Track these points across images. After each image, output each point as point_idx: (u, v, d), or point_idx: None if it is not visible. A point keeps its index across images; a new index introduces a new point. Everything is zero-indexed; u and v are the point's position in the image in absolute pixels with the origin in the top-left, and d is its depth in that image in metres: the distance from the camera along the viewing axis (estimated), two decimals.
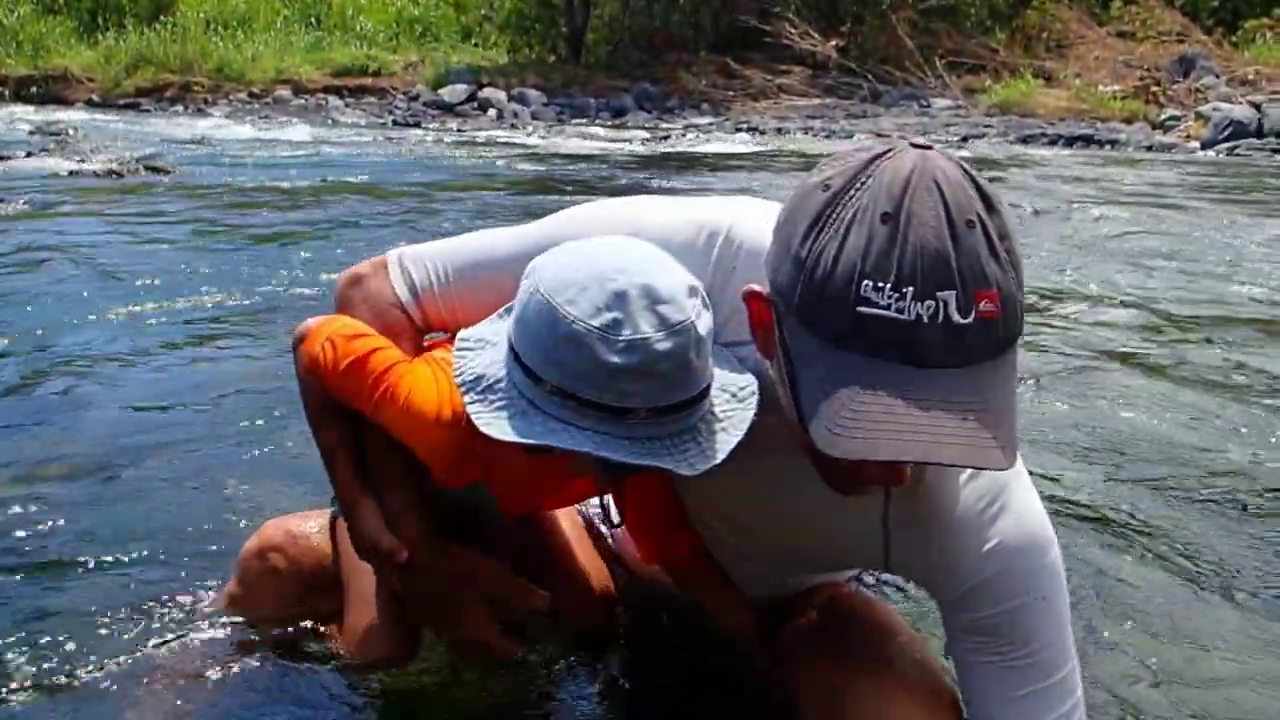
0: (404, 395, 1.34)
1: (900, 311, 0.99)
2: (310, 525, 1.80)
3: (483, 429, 1.20)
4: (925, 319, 0.99)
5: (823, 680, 1.49)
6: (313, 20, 23.39)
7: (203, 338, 3.98)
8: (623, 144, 14.02)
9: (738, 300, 1.19)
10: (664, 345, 1.14)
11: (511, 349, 1.23)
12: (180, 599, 2.00)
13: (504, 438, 1.19)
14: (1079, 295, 5.14)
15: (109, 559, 2.21)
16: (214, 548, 2.26)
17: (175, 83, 19.61)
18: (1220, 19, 20.66)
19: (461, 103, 18.85)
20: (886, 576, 1.97)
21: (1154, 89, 17.70)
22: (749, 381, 1.26)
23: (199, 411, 3.16)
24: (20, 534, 2.32)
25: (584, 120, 18.03)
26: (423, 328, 1.47)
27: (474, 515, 1.55)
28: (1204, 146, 14.22)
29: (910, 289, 0.99)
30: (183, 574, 2.14)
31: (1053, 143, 15.04)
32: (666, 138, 15.14)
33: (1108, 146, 14.64)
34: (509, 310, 1.30)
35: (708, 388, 1.21)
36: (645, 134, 15.67)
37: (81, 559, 2.21)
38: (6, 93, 19.43)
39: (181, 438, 2.93)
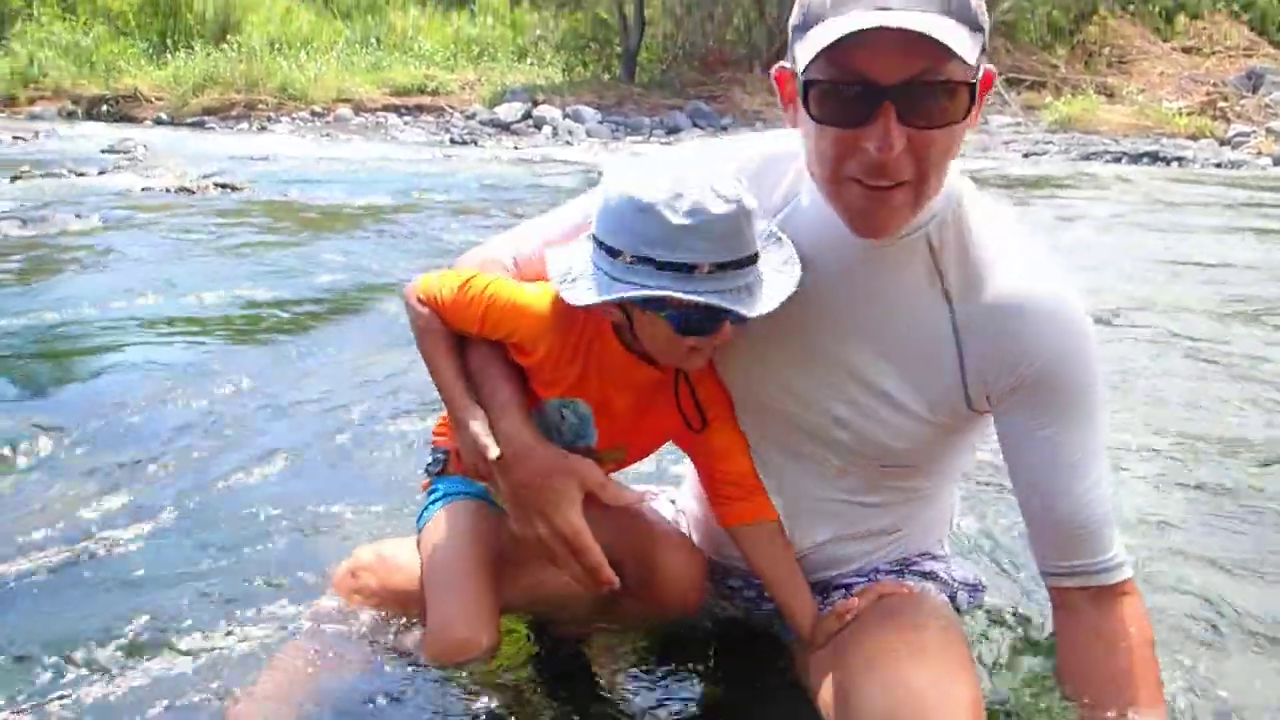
0: (508, 294, 1.60)
1: None
2: (399, 547, 1.85)
3: (570, 300, 1.48)
4: None
5: (834, 660, 1.58)
6: (373, 41, 23.75)
7: (279, 344, 4.05)
8: None
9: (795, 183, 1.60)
10: (719, 209, 1.41)
11: (594, 240, 1.50)
12: (264, 610, 2.03)
13: (588, 299, 1.46)
14: (1151, 309, 5.04)
15: (192, 570, 2.24)
16: (296, 560, 2.28)
17: (240, 101, 20.00)
18: None
19: (517, 121, 18.99)
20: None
21: (1221, 104, 17.41)
22: (790, 253, 1.53)
23: (272, 422, 3.20)
24: (103, 541, 2.36)
25: (639, 138, 18.08)
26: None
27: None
28: (1276, 163, 13.93)
29: None
30: (264, 586, 2.16)
31: (1117, 159, 14.83)
32: None
33: (1174, 163, 14.40)
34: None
35: (757, 257, 1.46)
36: None
37: (165, 569, 2.25)
38: (80, 111, 19.97)
39: (253, 449, 2.96)
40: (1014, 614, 2.09)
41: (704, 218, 1.40)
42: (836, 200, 1.45)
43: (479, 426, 1.56)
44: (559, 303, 1.56)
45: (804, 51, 1.34)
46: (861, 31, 1.26)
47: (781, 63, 1.45)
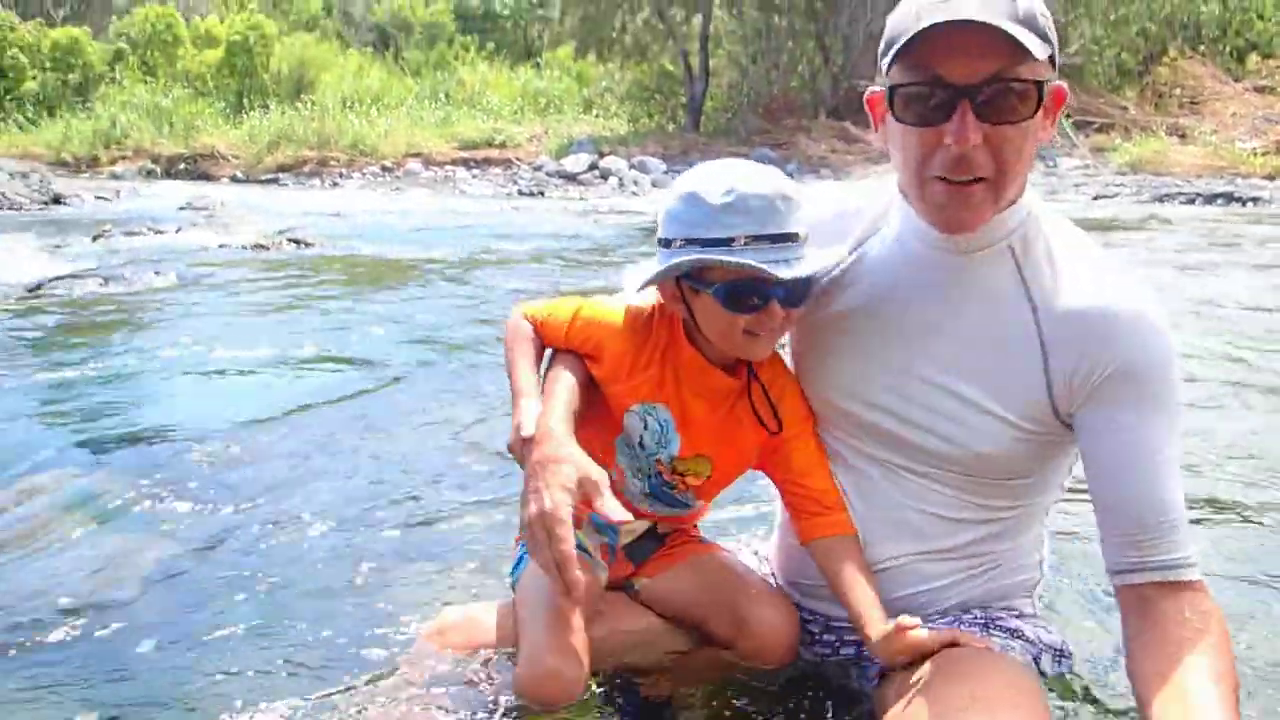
0: (592, 306, 1.77)
1: None
2: (488, 609, 1.86)
3: (628, 288, 1.65)
4: None
5: (907, 712, 1.54)
6: (442, 96, 24.31)
7: (350, 400, 4.08)
8: None
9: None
10: (754, 189, 1.55)
11: (658, 241, 1.64)
12: (348, 669, 2.01)
13: (638, 282, 1.63)
14: (1231, 351, 4.90)
15: (265, 629, 2.23)
16: (377, 621, 2.25)
17: (312, 158, 20.57)
18: None
19: (584, 172, 19.24)
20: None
21: None
22: (838, 245, 1.68)
23: (345, 479, 3.21)
24: (175, 601, 2.38)
25: None
26: None
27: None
28: None
29: None
30: (345, 647, 2.14)
31: (1190, 201, 14.50)
32: None
33: (1250, 204, 14.05)
34: None
35: (796, 237, 1.58)
36: None
37: (237, 628, 2.24)
38: (159, 170, 20.70)
39: (326, 507, 2.96)
40: (1096, 678, 2.01)
41: (738, 195, 1.55)
42: (921, 201, 1.57)
43: (526, 411, 1.67)
44: (635, 312, 1.75)
45: (889, 61, 1.49)
46: (939, 37, 1.41)
47: (872, 87, 1.58)
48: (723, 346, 1.67)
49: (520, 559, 1.83)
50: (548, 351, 1.80)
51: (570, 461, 1.59)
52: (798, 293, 1.60)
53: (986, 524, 1.73)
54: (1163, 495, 1.54)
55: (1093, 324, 1.56)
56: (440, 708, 1.71)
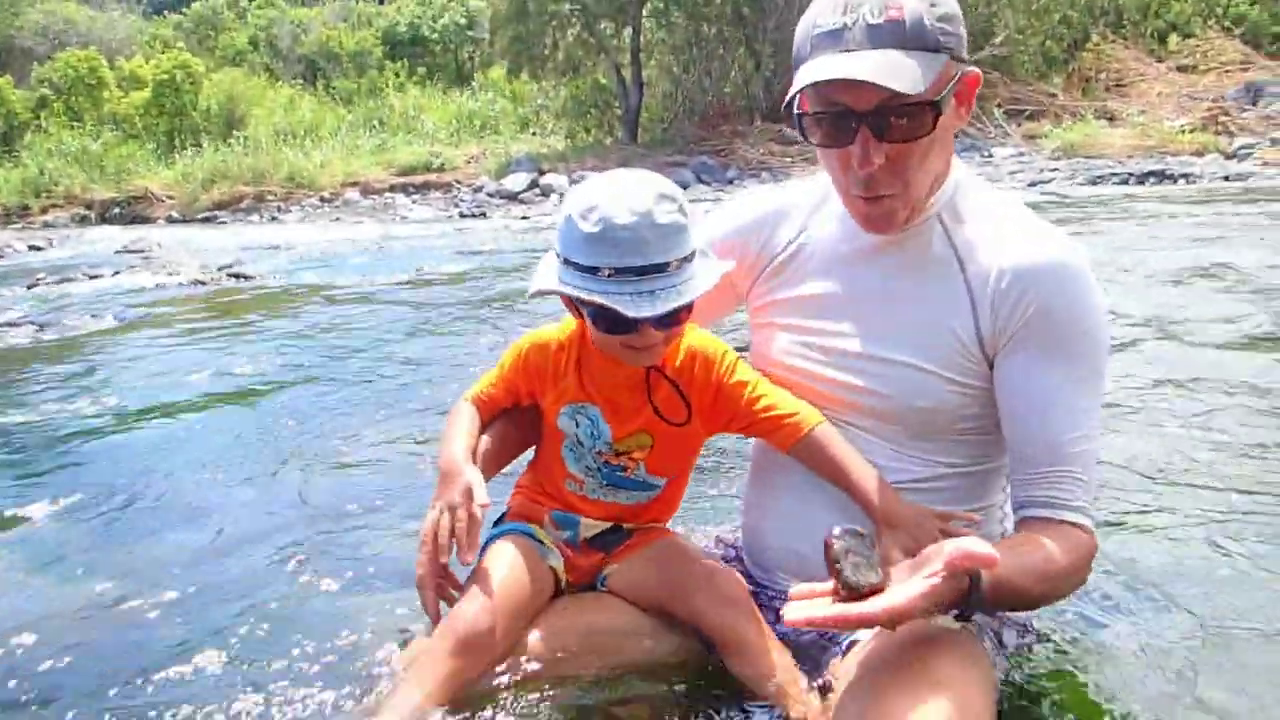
0: (512, 345, 1.92)
1: (835, 24, 1.57)
2: None
3: (531, 290, 1.74)
4: (849, 24, 1.55)
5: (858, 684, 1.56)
6: (376, 123, 24.15)
7: (294, 429, 4.02)
8: None
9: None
10: (622, 220, 1.59)
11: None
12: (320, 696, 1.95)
13: (532, 287, 1.72)
14: (1175, 324, 4.97)
15: (220, 659, 2.17)
16: (343, 648, 2.19)
17: (249, 193, 20.32)
18: None
19: (524, 190, 19.19)
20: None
21: (1223, 119, 17.38)
22: (715, 274, 1.71)
23: (294, 509, 3.15)
24: (130, 640, 2.31)
25: None
26: None
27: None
28: None
29: (843, 9, 1.57)
30: (312, 676, 2.08)
31: (1124, 181, 14.77)
32: None
33: (1181, 180, 14.35)
34: None
35: (666, 268, 1.62)
36: (708, 205, 15.73)
37: (183, 659, 2.17)
38: (93, 216, 20.34)
39: (277, 538, 2.90)
40: (1065, 653, 2.01)
41: (606, 227, 1.60)
42: (849, 207, 1.73)
43: (456, 453, 1.82)
44: (545, 331, 1.90)
45: (792, 91, 1.61)
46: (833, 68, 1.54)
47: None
48: (608, 354, 1.78)
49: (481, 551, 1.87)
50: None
51: (452, 492, 1.76)
52: (669, 316, 1.64)
53: (936, 483, 1.77)
54: (1064, 445, 1.62)
55: (1018, 273, 1.65)
56: None
